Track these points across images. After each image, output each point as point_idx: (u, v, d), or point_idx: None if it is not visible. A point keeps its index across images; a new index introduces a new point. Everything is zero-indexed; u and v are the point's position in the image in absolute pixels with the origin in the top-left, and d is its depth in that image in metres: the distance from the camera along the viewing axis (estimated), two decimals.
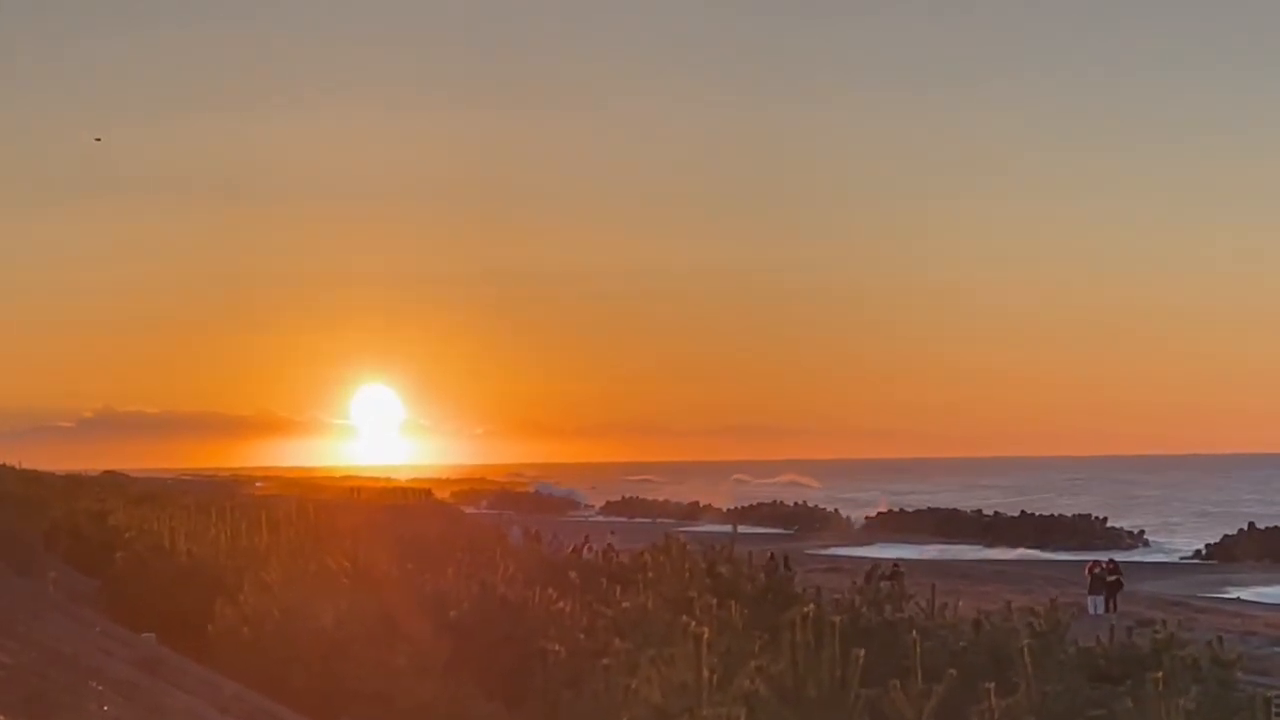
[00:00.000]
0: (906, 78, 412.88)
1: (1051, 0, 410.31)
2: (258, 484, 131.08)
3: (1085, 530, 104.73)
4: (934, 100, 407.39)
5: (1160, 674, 11.53)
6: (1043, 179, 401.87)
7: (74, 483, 60.93)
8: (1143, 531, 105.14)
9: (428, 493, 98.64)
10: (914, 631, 13.37)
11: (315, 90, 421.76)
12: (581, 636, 13.29)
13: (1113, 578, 49.05)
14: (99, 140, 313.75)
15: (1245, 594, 62.42)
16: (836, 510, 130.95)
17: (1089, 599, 47.10)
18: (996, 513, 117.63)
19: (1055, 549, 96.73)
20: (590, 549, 46.32)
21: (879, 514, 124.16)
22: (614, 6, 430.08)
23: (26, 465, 69.09)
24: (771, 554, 34.58)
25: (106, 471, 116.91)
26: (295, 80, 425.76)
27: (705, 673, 10.14)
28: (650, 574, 18.63)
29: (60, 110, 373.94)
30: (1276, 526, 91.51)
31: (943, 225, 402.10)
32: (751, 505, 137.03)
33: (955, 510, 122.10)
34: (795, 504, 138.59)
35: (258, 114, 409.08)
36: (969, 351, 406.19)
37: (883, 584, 21.91)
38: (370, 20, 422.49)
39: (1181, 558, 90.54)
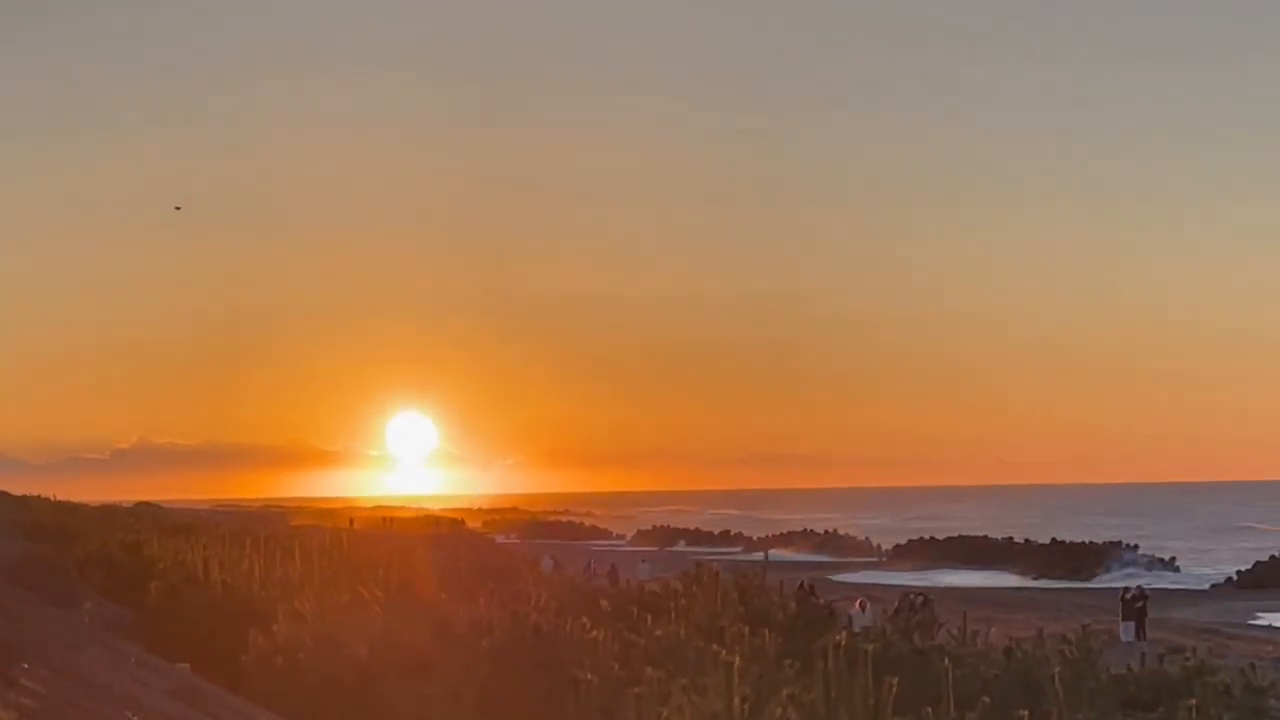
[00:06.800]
0: (935, 104, 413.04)
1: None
2: (273, 518, 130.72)
3: (1116, 557, 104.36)
4: (965, 127, 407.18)
5: (1193, 701, 11.52)
6: (1067, 203, 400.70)
7: (108, 513, 61.09)
8: (1174, 558, 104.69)
9: (460, 522, 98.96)
10: (946, 659, 13.36)
11: (348, 118, 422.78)
12: (614, 665, 13.30)
13: (1140, 604, 49.11)
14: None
15: (1277, 620, 62.09)
16: (867, 538, 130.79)
17: (1121, 625, 47.01)
18: (1027, 540, 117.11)
19: (1087, 576, 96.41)
20: (625, 578, 46.29)
21: (910, 541, 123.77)
22: (636, 25, 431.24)
23: (61, 497, 69.51)
24: (803, 582, 34.58)
25: (141, 502, 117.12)
26: (327, 109, 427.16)
27: (737, 701, 10.18)
28: (682, 602, 18.66)
29: (91, 135, 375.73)
30: None
31: (969, 253, 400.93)
32: (781, 534, 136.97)
33: (985, 537, 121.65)
34: (825, 531, 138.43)
35: (292, 143, 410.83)
36: (992, 380, 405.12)
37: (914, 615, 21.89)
38: (398, 50, 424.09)
39: (1212, 584, 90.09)
